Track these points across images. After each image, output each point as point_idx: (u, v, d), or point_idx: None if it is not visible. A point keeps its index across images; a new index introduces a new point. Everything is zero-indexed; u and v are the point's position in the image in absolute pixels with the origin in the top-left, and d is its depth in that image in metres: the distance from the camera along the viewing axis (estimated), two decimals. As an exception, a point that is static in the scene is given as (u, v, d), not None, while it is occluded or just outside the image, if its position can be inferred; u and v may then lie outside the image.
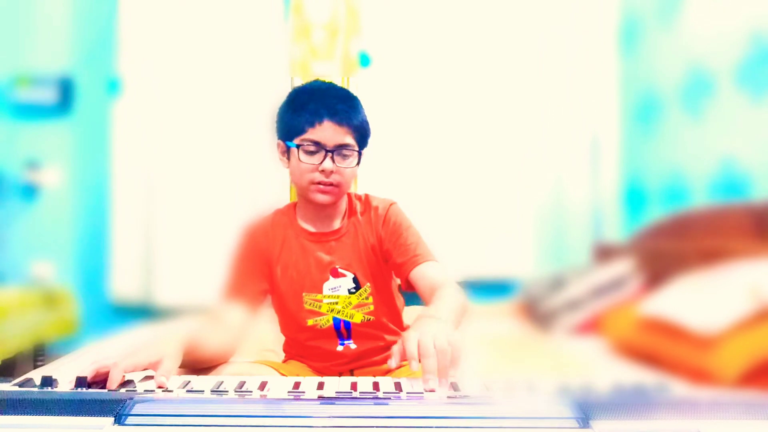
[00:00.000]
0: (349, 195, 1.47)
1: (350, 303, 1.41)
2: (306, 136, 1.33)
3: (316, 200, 1.36)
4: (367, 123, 1.40)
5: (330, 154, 1.33)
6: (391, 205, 1.46)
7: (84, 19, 3.52)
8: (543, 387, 1.03)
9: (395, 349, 1.08)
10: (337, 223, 1.43)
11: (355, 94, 1.43)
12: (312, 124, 1.33)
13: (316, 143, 1.33)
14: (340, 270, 1.42)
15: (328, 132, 1.33)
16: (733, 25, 2.52)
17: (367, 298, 1.42)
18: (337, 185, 1.35)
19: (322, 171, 1.33)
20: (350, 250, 1.42)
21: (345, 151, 1.34)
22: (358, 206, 1.46)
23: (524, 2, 3.49)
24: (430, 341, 1.01)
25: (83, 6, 3.54)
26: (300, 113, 1.35)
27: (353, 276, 1.42)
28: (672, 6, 3.00)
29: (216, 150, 3.42)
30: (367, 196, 1.48)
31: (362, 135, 1.38)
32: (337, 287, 1.41)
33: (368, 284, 1.42)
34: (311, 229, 1.43)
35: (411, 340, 1.03)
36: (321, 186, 1.34)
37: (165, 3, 3.49)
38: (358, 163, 1.39)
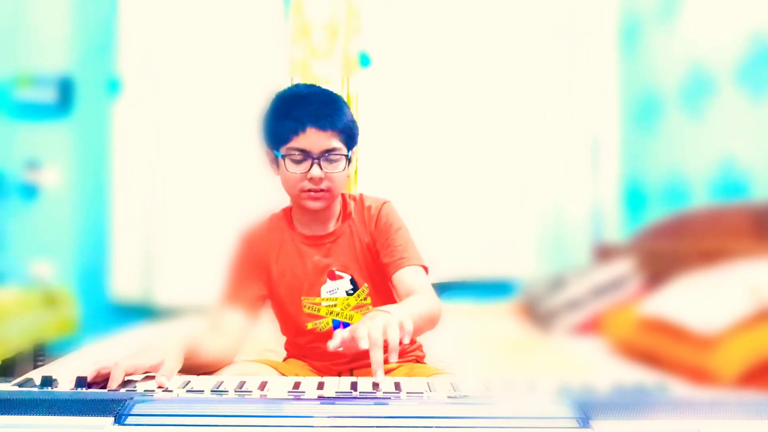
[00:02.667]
0: (343, 196, 1.45)
1: (349, 305, 1.41)
2: (291, 144, 1.31)
3: (309, 207, 1.35)
4: (353, 123, 1.37)
5: (317, 161, 1.31)
6: (383, 204, 1.45)
7: (84, 19, 3.52)
8: (543, 387, 1.03)
9: (338, 333, 1.11)
10: (332, 225, 1.43)
11: (338, 94, 1.41)
12: (296, 132, 1.31)
13: (302, 151, 1.31)
14: (337, 272, 1.41)
15: (312, 139, 1.31)
16: (733, 25, 2.52)
17: (365, 298, 1.42)
18: (327, 190, 1.33)
19: (311, 179, 1.32)
20: (346, 252, 1.42)
21: (332, 156, 1.32)
22: (353, 207, 1.45)
23: (524, 3, 3.49)
24: (378, 332, 1.06)
25: (83, 6, 3.53)
26: (283, 121, 1.33)
27: (350, 277, 1.41)
28: (672, 6, 3.00)
29: (216, 150, 3.42)
30: (361, 196, 1.47)
31: (348, 136, 1.35)
32: (335, 289, 1.41)
33: (366, 285, 1.42)
34: (307, 232, 1.43)
35: (360, 329, 1.07)
36: (312, 193, 1.33)
37: (165, 3, 3.49)
38: (348, 164, 1.37)
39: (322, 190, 1.33)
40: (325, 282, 1.41)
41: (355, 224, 1.43)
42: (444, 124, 3.40)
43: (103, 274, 3.46)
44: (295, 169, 1.32)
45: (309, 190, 1.33)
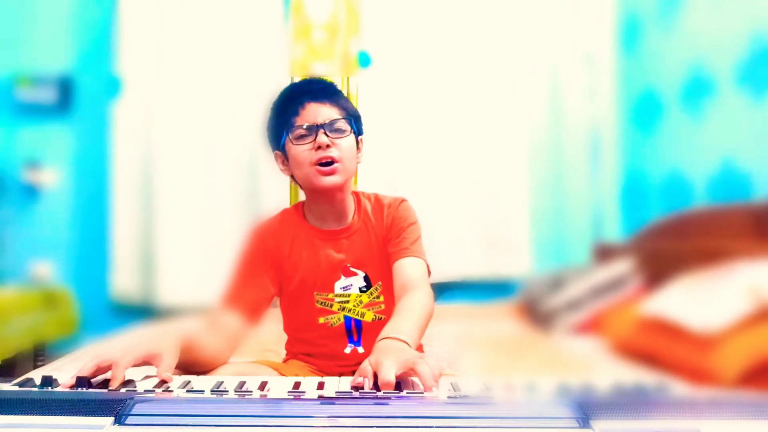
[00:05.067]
0: (357, 194, 1.46)
1: (361, 302, 1.41)
2: (295, 125, 1.35)
3: (322, 184, 1.35)
4: (351, 105, 1.42)
5: (322, 129, 1.33)
6: (402, 201, 1.47)
7: (84, 19, 3.52)
8: (543, 387, 1.03)
9: (369, 372, 1.05)
10: (347, 221, 1.43)
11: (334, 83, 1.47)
12: (297, 113, 1.35)
13: (307, 127, 1.34)
14: (351, 269, 1.41)
15: (313, 111, 1.35)
16: (733, 25, 2.52)
17: (378, 296, 1.41)
18: (338, 161, 1.34)
19: (319, 147, 1.33)
20: (361, 248, 1.42)
21: (336, 126, 1.35)
22: (368, 205, 1.45)
23: (524, 2, 3.49)
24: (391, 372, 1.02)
25: (83, 6, 3.53)
26: (283, 110, 1.38)
27: (364, 275, 1.41)
28: (672, 6, 3.00)
29: (216, 149, 3.42)
30: (376, 195, 1.48)
31: (350, 114, 1.39)
32: (349, 286, 1.40)
33: (379, 282, 1.41)
34: (321, 226, 1.42)
35: (388, 370, 1.02)
36: (321, 167, 1.34)
37: (165, 3, 3.49)
38: (359, 148, 1.40)
39: (332, 161, 1.33)
40: (339, 278, 1.40)
41: (371, 221, 1.43)
42: (444, 123, 3.39)
43: (103, 274, 3.46)
44: (301, 142, 1.34)
45: (319, 163, 1.33)
